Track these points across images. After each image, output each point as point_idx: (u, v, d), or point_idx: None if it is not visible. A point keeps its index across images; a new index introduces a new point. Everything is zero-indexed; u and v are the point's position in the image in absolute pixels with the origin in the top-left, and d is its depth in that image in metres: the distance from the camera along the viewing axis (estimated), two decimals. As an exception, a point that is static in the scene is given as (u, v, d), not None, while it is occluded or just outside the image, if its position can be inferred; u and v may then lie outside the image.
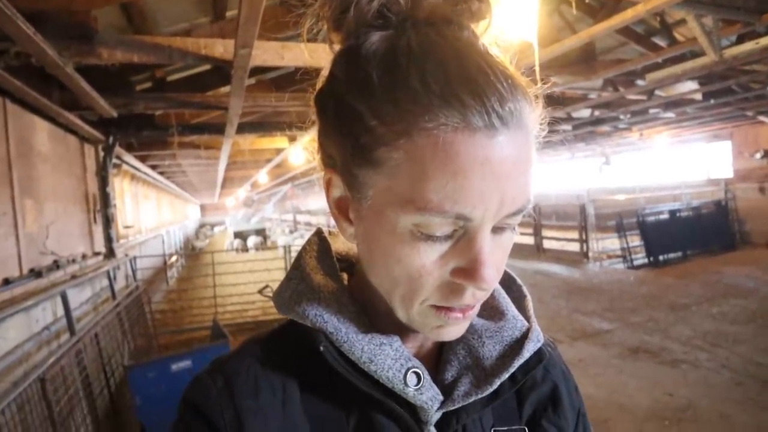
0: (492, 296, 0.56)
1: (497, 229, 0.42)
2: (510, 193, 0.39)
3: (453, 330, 0.46)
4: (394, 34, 0.41)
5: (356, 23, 0.42)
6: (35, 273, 3.27)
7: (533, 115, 0.42)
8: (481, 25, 0.44)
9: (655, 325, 5.57)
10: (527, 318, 0.56)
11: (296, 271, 0.54)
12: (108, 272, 4.78)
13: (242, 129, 5.11)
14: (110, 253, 5.20)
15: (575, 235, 10.53)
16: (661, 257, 9.49)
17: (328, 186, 0.48)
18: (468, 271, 0.41)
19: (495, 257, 0.42)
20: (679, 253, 9.71)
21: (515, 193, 0.40)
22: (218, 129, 5.12)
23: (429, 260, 0.41)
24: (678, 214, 10.16)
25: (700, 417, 3.45)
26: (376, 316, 0.51)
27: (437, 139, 0.37)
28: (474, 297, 0.43)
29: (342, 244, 0.60)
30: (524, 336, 0.53)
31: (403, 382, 0.47)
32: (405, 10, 0.42)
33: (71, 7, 2.41)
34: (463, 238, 0.41)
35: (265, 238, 19.61)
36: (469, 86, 0.37)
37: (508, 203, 0.39)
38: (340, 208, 0.48)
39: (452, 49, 0.39)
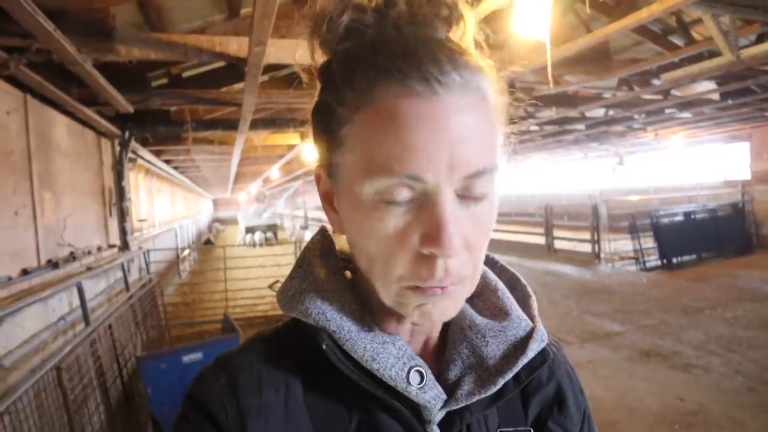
0: (496, 296, 0.56)
1: (464, 198, 0.42)
2: (461, 153, 0.40)
3: (435, 310, 0.45)
4: (361, 41, 0.45)
5: (331, 38, 0.46)
6: (52, 264, 3.35)
7: (491, 89, 0.44)
8: (457, 30, 0.46)
9: (667, 329, 5.50)
10: (531, 318, 0.55)
11: (300, 269, 0.54)
12: (122, 264, 4.86)
13: (255, 125, 5.16)
14: (125, 246, 5.29)
15: (587, 235, 10.42)
16: (674, 260, 9.36)
17: (318, 181, 0.51)
18: (431, 236, 0.41)
19: (466, 229, 0.42)
20: (694, 256, 9.56)
21: (467, 154, 0.40)
22: (232, 125, 5.16)
23: (394, 229, 0.42)
24: (693, 216, 10.00)
25: (711, 422, 3.41)
26: (379, 314, 0.51)
27: (382, 107, 0.41)
28: (447, 272, 0.42)
29: (345, 242, 0.61)
30: (528, 336, 0.52)
31: (405, 380, 0.47)
32: (376, 22, 0.45)
33: (91, 5, 2.45)
34: (425, 203, 0.41)
35: (275, 234, 19.71)
36: (409, 57, 0.40)
37: (460, 163, 0.40)
38: (328, 201, 0.51)
39: (402, 35, 0.43)
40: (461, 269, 0.43)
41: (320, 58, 0.49)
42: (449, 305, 0.46)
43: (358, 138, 0.43)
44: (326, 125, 0.46)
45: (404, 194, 0.41)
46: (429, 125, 0.39)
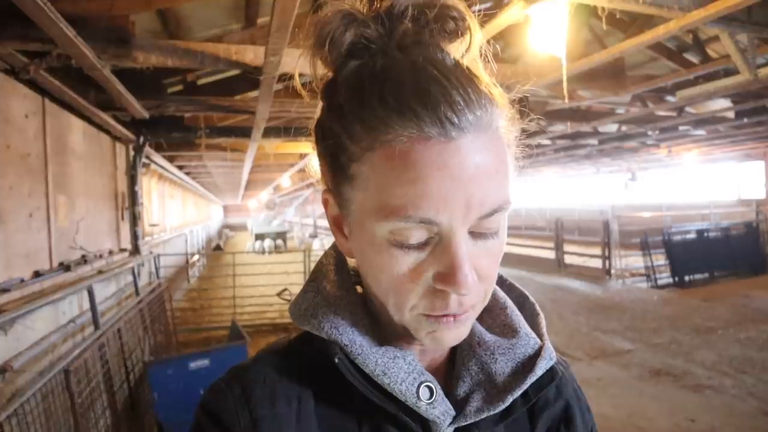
0: (505, 313, 0.57)
1: (477, 235, 0.43)
2: (477, 196, 0.40)
3: (447, 335, 0.46)
4: (365, 61, 0.44)
5: (335, 55, 0.45)
6: (64, 267, 3.37)
7: (503, 121, 0.44)
8: (463, 42, 0.46)
9: (678, 348, 5.41)
10: (540, 336, 0.56)
11: (313, 283, 0.55)
12: (132, 269, 4.88)
13: (268, 133, 5.19)
14: (135, 250, 5.33)
15: (598, 251, 10.32)
16: (686, 278, 9.24)
17: (325, 205, 0.51)
18: (446, 276, 0.41)
19: (478, 262, 0.43)
20: (706, 275, 9.43)
21: (482, 196, 0.41)
22: (245, 132, 5.21)
23: (408, 268, 0.43)
24: (706, 234, 9.89)
25: (723, 445, 3.33)
26: (389, 329, 0.51)
27: (395, 150, 0.40)
28: (460, 304, 0.44)
29: None
30: (537, 354, 0.53)
31: (415, 395, 0.48)
32: (381, 37, 0.44)
33: (111, 12, 2.49)
34: (439, 244, 0.42)
35: (284, 241, 19.77)
36: (421, 97, 0.39)
37: (475, 206, 0.41)
38: (337, 225, 0.51)
39: (411, 66, 0.42)
40: (473, 298, 0.45)
41: (322, 71, 0.48)
42: (462, 330, 0.47)
43: (370, 179, 0.42)
44: (334, 155, 0.46)
45: (419, 236, 0.42)
46: (444, 170, 0.39)
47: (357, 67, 0.45)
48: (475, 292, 0.44)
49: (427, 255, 0.43)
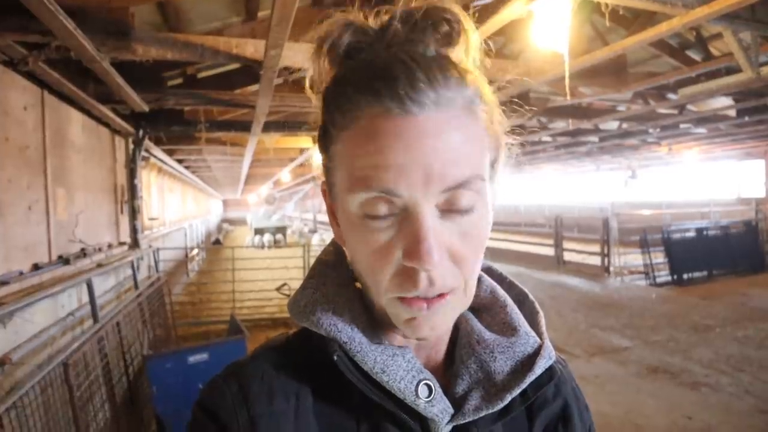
0: (504, 312, 0.57)
1: (446, 211, 0.43)
2: (437, 168, 0.41)
3: (424, 324, 0.45)
4: (356, 59, 0.47)
5: (334, 57, 0.48)
6: (63, 260, 3.37)
7: (479, 102, 0.45)
8: (460, 44, 0.47)
9: (676, 345, 5.42)
10: (539, 335, 0.56)
11: (311, 280, 0.55)
12: (132, 262, 4.88)
13: (268, 127, 5.18)
14: (135, 244, 5.32)
15: (597, 248, 10.33)
16: (685, 276, 9.26)
17: (324, 196, 0.54)
18: (411, 251, 0.42)
19: (450, 241, 0.44)
20: (705, 273, 9.45)
21: (442, 168, 0.41)
22: (245, 126, 5.19)
23: (378, 245, 0.44)
24: (705, 233, 9.90)
25: (719, 443, 3.35)
26: (384, 324, 0.51)
27: (361, 126, 0.43)
28: (431, 283, 0.43)
29: None
30: (536, 352, 0.53)
31: (414, 393, 0.48)
32: (375, 41, 0.47)
33: (110, 4, 2.48)
34: (406, 219, 0.43)
35: (284, 236, 19.77)
36: (385, 78, 0.42)
37: (435, 177, 0.41)
38: (332, 214, 0.53)
39: (387, 57, 0.44)
40: (447, 281, 0.44)
41: (325, 74, 0.50)
42: (438, 320, 0.46)
43: (342, 156, 0.45)
44: (324, 145, 0.49)
45: (383, 209, 0.43)
46: (402, 143, 0.41)
47: (346, 64, 0.48)
48: (447, 271, 0.44)
49: (396, 231, 0.43)
